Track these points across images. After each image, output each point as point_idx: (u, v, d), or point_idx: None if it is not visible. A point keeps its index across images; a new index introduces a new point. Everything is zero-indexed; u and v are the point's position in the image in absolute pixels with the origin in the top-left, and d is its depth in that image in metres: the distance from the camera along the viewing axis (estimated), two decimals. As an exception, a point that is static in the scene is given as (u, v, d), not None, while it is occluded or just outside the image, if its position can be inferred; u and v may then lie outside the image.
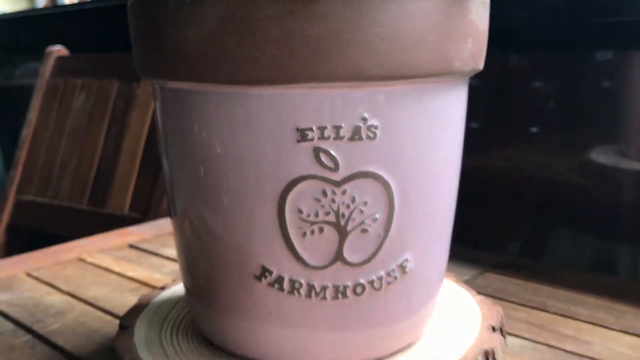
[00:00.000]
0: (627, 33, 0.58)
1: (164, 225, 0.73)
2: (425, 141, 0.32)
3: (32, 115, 1.06)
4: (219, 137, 0.31)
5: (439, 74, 0.30)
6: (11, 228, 1.04)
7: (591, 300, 0.49)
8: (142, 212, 0.87)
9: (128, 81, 0.94)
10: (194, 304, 0.37)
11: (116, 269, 0.59)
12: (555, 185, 0.67)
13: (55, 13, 1.57)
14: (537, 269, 0.55)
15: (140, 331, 0.39)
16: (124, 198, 0.90)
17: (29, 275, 0.58)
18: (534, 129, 0.68)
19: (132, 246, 0.65)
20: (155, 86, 0.34)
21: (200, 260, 0.35)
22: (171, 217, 0.37)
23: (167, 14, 0.30)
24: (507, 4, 0.61)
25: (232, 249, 0.32)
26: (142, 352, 0.36)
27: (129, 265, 0.60)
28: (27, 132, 1.06)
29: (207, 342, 0.37)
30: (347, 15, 0.27)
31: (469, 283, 0.52)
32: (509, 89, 0.68)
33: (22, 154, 1.05)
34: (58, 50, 1.08)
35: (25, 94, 1.74)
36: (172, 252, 0.63)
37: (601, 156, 0.66)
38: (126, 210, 0.89)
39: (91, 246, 0.65)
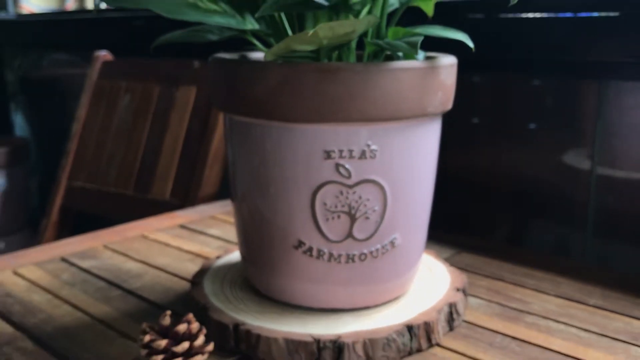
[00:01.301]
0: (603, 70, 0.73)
1: (205, 210, 0.89)
2: (409, 159, 0.47)
3: (82, 112, 1.22)
4: (271, 153, 0.46)
5: (418, 116, 0.46)
6: (63, 209, 1.21)
7: (538, 274, 0.65)
8: (182, 199, 1.03)
9: (168, 86, 1.10)
10: (248, 266, 0.53)
11: (173, 243, 0.75)
12: (527, 182, 0.82)
13: (83, 19, 1.72)
14: (501, 250, 0.71)
15: (208, 286, 0.55)
16: (165, 186, 1.06)
17: (106, 247, 0.74)
18: (513, 134, 0.83)
19: (182, 226, 0.82)
20: (227, 116, 0.50)
21: (254, 235, 0.51)
22: (232, 201, 0.53)
23: (243, 73, 0.45)
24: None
25: (277, 227, 0.48)
26: (212, 298, 0.52)
27: (182, 241, 0.76)
28: (77, 127, 1.22)
29: (257, 292, 0.53)
30: (358, 82, 0.43)
31: (447, 260, 0.68)
32: (496, 101, 0.84)
33: (72, 146, 1.21)
34: (104, 55, 1.24)
35: (51, 82, 1.89)
36: (215, 231, 0.79)
37: (572, 159, 0.81)
38: (167, 196, 1.05)
39: (149, 226, 0.82)
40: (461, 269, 0.65)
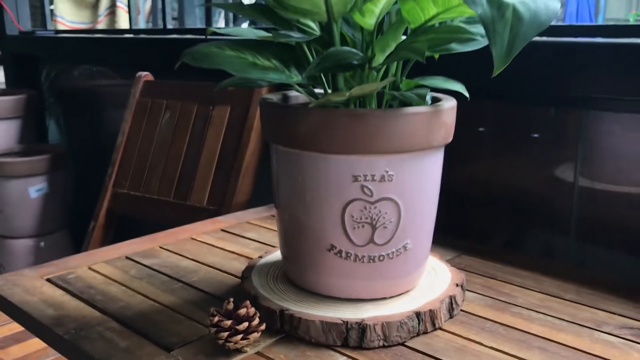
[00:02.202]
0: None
1: (241, 216, 1.02)
2: (418, 181, 0.60)
3: (126, 126, 1.37)
4: (310, 176, 0.60)
5: (425, 148, 0.59)
6: (109, 213, 1.35)
7: (525, 273, 0.77)
8: (217, 205, 1.17)
9: (205, 105, 1.24)
10: (288, 264, 0.67)
11: (218, 245, 0.88)
12: (521, 194, 0.95)
13: (113, 38, 1.87)
14: (496, 253, 0.84)
15: (255, 279, 0.69)
16: (203, 194, 1.19)
17: (162, 248, 0.88)
18: (509, 153, 0.96)
19: (223, 230, 0.95)
20: (274, 146, 0.63)
21: (294, 239, 0.64)
22: (276, 210, 0.67)
23: (290, 115, 0.59)
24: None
25: (314, 234, 0.62)
26: (260, 290, 0.66)
27: (225, 243, 0.89)
28: (121, 139, 1.36)
29: (295, 285, 0.67)
30: (379, 124, 0.56)
31: (450, 261, 0.81)
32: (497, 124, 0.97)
33: (117, 156, 1.36)
34: (145, 75, 1.38)
35: (83, 93, 2.03)
36: (252, 234, 0.93)
37: (564, 173, 0.94)
38: (204, 203, 1.19)
39: (196, 230, 0.95)
40: (461, 268, 0.78)
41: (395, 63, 0.60)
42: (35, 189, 1.87)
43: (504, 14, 0.45)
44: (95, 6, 2.54)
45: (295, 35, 0.59)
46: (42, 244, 1.93)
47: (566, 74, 0.84)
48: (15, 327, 1.09)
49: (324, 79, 0.61)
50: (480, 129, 0.98)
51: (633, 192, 0.86)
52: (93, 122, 2.11)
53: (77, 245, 2.04)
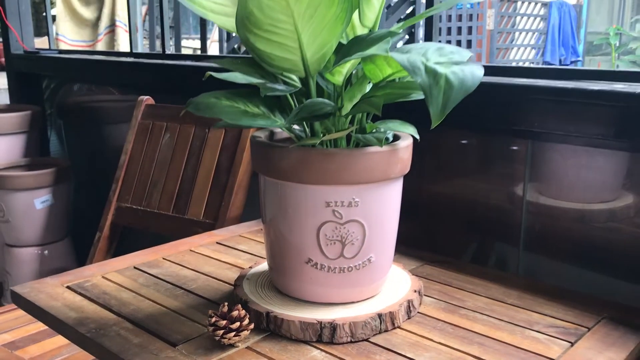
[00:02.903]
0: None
1: (235, 230, 1.15)
2: (379, 206, 0.74)
3: (128, 146, 1.49)
4: (291, 202, 0.73)
5: (384, 179, 0.72)
6: (113, 226, 1.48)
7: (476, 281, 0.91)
8: (213, 219, 1.29)
9: (202, 128, 1.37)
10: (273, 273, 0.80)
11: (214, 256, 1.01)
12: (479, 209, 1.09)
13: (111, 60, 2.00)
14: (454, 264, 0.97)
15: (245, 287, 0.82)
16: (199, 208, 1.32)
17: (165, 259, 1.01)
18: (469, 174, 1.09)
19: (218, 243, 1.08)
20: (262, 176, 0.76)
21: (278, 252, 0.77)
22: (263, 227, 0.79)
23: (275, 153, 0.72)
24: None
25: (294, 249, 0.75)
26: (250, 295, 0.79)
27: (220, 254, 1.02)
28: (124, 158, 1.49)
29: (279, 292, 0.80)
30: (347, 160, 0.69)
31: (413, 270, 0.94)
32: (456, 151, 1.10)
33: (121, 173, 1.48)
34: (147, 99, 1.51)
35: (84, 110, 2.14)
36: (243, 247, 1.06)
37: (514, 193, 1.07)
38: (201, 217, 1.32)
39: (194, 243, 1.08)
40: (421, 277, 0.91)
41: (361, 115, 0.73)
42: (40, 200, 1.99)
43: (438, 82, 0.59)
44: (95, 25, 2.66)
45: (279, 87, 0.72)
46: (46, 252, 2.05)
47: (516, 111, 0.98)
48: (32, 329, 1.21)
49: (305, 126, 0.74)
50: (445, 155, 1.12)
51: (572, 207, 1.00)
52: (93, 137, 2.24)
53: (78, 253, 2.17)
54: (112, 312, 0.81)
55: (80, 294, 0.87)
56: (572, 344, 0.73)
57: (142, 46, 3.13)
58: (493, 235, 1.07)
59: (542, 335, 0.75)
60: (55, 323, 0.81)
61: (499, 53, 5.30)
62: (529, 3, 5.60)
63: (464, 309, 0.82)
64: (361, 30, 0.74)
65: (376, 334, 0.74)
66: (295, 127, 0.77)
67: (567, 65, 5.89)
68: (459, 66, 0.60)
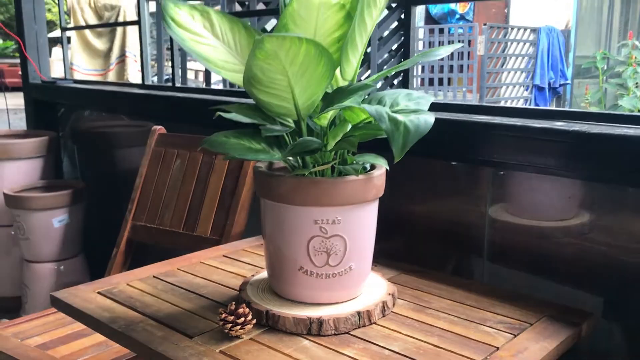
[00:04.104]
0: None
1: (239, 245, 1.32)
2: (358, 223, 0.91)
3: (143, 170, 1.67)
4: (286, 220, 0.90)
5: (361, 202, 0.90)
6: (128, 242, 1.64)
7: (443, 287, 1.07)
8: (219, 236, 1.46)
9: (209, 155, 1.54)
10: (271, 279, 0.97)
11: (221, 267, 1.18)
12: (450, 225, 1.26)
13: (121, 91, 2.18)
14: (426, 273, 1.14)
15: (249, 291, 0.99)
16: (207, 226, 1.49)
17: (179, 269, 1.17)
18: (440, 195, 1.26)
19: (225, 256, 1.25)
20: (262, 199, 0.94)
21: (275, 261, 0.94)
22: (263, 240, 0.97)
23: (273, 180, 0.90)
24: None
25: (289, 258, 0.92)
26: (253, 297, 0.96)
27: (226, 265, 1.19)
28: (139, 181, 1.66)
29: (276, 294, 0.96)
30: (331, 187, 0.87)
31: (391, 278, 1.11)
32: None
33: (136, 195, 1.66)
34: (160, 129, 1.69)
35: (96, 135, 2.31)
36: (246, 259, 1.22)
37: (479, 211, 1.24)
38: (208, 234, 1.49)
39: (204, 256, 1.25)
40: (398, 284, 1.08)
41: (343, 151, 0.91)
42: (58, 219, 2.16)
43: (398, 128, 0.76)
44: (107, 56, 2.85)
45: (277, 128, 0.90)
46: (61, 267, 2.21)
47: (479, 143, 1.16)
48: (60, 333, 1.37)
49: (298, 159, 0.92)
50: (422, 180, 1.30)
51: (533, 224, 1.17)
52: (104, 160, 2.42)
53: (92, 268, 2.33)
54: (138, 312, 0.98)
55: (109, 298, 1.04)
56: (515, 336, 0.90)
57: (151, 72, 3.34)
58: (461, 248, 1.24)
59: (492, 330, 0.92)
60: (91, 321, 0.98)
61: (489, 77, 5.52)
62: (519, 29, 5.83)
63: (430, 309, 0.98)
64: (343, 82, 0.92)
65: (355, 328, 0.91)
66: (290, 158, 0.95)
67: (557, 87, 6.10)
68: (415, 115, 0.78)
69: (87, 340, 1.33)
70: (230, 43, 0.90)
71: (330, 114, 0.87)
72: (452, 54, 5.73)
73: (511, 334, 0.90)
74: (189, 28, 0.88)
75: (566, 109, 1.13)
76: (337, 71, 0.90)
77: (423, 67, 5.99)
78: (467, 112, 1.22)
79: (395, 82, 3.49)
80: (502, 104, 5.92)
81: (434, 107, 1.23)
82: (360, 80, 0.96)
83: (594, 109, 5.81)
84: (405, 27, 1.26)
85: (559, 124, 1.04)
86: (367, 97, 0.94)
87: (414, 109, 0.84)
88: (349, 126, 0.90)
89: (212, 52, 0.89)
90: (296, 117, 0.88)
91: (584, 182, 1.07)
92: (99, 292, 1.06)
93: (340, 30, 0.85)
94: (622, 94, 5.67)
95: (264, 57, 0.76)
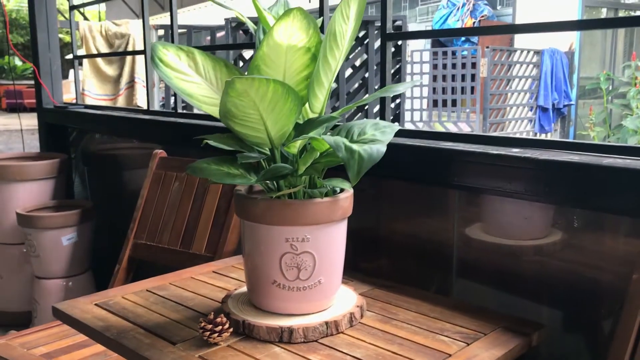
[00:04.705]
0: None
1: (228, 261, 1.42)
2: (326, 241, 1.01)
3: (144, 192, 1.78)
4: (261, 238, 1.00)
5: (329, 222, 1.00)
6: (130, 259, 1.75)
7: (411, 300, 1.16)
8: (212, 253, 1.57)
9: (205, 178, 1.65)
10: (249, 292, 1.07)
11: (210, 282, 1.28)
12: (421, 242, 1.35)
13: (128, 117, 2.31)
14: (398, 288, 1.23)
15: (229, 303, 1.09)
16: (202, 244, 1.59)
17: (171, 284, 1.28)
18: (414, 216, 1.36)
19: (214, 272, 1.35)
20: (241, 219, 1.04)
21: (252, 276, 1.04)
22: (243, 257, 1.06)
23: (250, 202, 1.00)
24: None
25: (263, 273, 1.01)
26: (232, 309, 1.05)
27: (215, 280, 1.29)
28: (140, 202, 1.78)
29: (253, 306, 1.06)
30: (301, 208, 0.97)
31: (364, 292, 1.20)
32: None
33: (138, 215, 1.77)
34: (160, 152, 1.81)
35: (105, 158, 2.43)
36: (234, 275, 1.32)
37: (447, 229, 1.33)
38: (203, 251, 1.59)
39: (195, 271, 1.35)
40: (369, 297, 1.17)
41: (313, 176, 1.01)
42: (67, 238, 2.28)
43: (353, 156, 0.86)
44: (117, 81, 3.00)
45: (253, 155, 1.00)
46: (70, 283, 2.32)
47: (447, 168, 1.25)
48: (63, 344, 1.47)
49: (274, 182, 1.02)
50: (396, 201, 1.39)
51: (490, 241, 1.26)
52: (112, 180, 2.54)
53: (99, 284, 2.44)
54: (129, 321, 1.08)
55: (105, 309, 1.14)
56: (468, 345, 0.98)
57: (159, 99, 3.48)
58: (432, 264, 1.33)
59: (448, 339, 1.00)
60: (87, 330, 1.08)
61: (492, 98, 5.61)
62: (522, 51, 5.93)
63: (395, 320, 1.07)
64: (313, 114, 1.02)
65: (323, 337, 1.00)
66: (268, 182, 1.05)
67: (561, 108, 6.16)
68: (368, 144, 0.88)
69: (87, 350, 1.43)
70: (213, 80, 1.01)
71: (299, 142, 0.97)
72: (456, 75, 5.84)
73: (465, 342, 0.99)
74: (175, 67, 1.00)
75: (523, 137, 1.23)
76: (307, 105, 1.01)
77: (427, 89, 6.10)
78: (435, 139, 1.31)
79: (393, 105, 3.61)
80: (506, 124, 6.00)
81: (403, 134, 1.34)
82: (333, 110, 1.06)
83: (598, 129, 5.87)
84: (381, 60, 1.37)
85: (514, 151, 1.14)
86: (338, 126, 1.05)
87: (376, 138, 0.94)
88: (318, 153, 1.01)
89: (196, 88, 1.00)
90: (270, 145, 0.99)
91: (541, 205, 1.16)
92: (96, 304, 1.16)
93: (307, 70, 0.96)
94: (627, 114, 5.73)
95: (236, 95, 0.87)
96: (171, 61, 1.00)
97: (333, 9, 1.01)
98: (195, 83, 1.00)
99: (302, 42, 0.92)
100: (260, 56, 0.91)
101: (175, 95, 2.13)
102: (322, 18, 1.29)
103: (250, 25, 1.07)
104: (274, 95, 0.88)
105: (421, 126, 6.13)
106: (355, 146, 0.88)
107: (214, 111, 0.99)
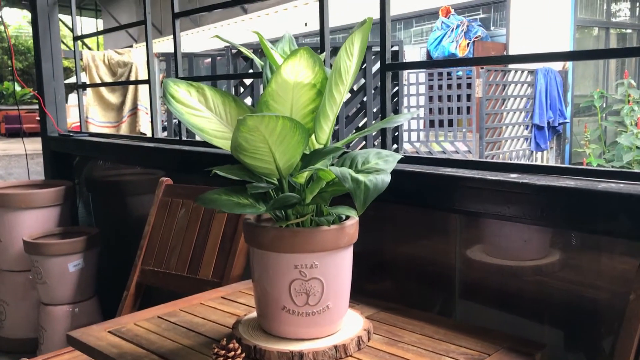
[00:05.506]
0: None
1: (236, 287, 1.45)
2: (334, 267, 1.05)
3: (151, 219, 1.82)
4: (271, 265, 1.04)
5: (335, 249, 1.04)
6: (138, 285, 1.78)
7: (415, 322, 1.20)
8: (219, 278, 1.60)
9: (211, 204, 1.69)
10: (259, 318, 1.10)
11: (219, 308, 1.31)
12: (425, 264, 1.39)
13: (131, 144, 2.35)
14: (403, 310, 1.26)
15: (240, 328, 1.12)
16: (209, 270, 1.63)
17: (181, 310, 1.31)
18: (414, 239, 1.40)
19: (223, 297, 1.38)
20: (250, 247, 1.08)
21: (262, 302, 1.08)
22: (252, 282, 1.10)
23: (259, 230, 1.04)
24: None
25: (273, 298, 1.05)
26: (243, 334, 1.09)
27: (224, 306, 1.32)
28: (147, 229, 1.81)
29: (264, 331, 1.09)
30: (309, 236, 1.01)
31: (370, 316, 1.23)
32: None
33: (145, 242, 1.80)
34: (167, 180, 1.85)
35: (109, 185, 2.46)
36: (242, 300, 1.36)
37: (449, 253, 1.37)
38: (210, 277, 1.62)
39: (204, 297, 1.38)
40: (375, 320, 1.20)
41: (319, 204, 1.05)
42: (73, 264, 2.30)
43: (359, 186, 0.91)
44: (120, 109, 3.05)
45: (262, 185, 1.05)
46: (76, 310, 2.35)
47: (448, 193, 1.29)
48: (74, 370, 1.50)
49: (282, 211, 1.06)
50: (400, 225, 1.43)
51: (493, 262, 1.30)
52: (117, 207, 2.58)
53: (104, 310, 2.46)
54: (143, 348, 1.11)
55: (118, 336, 1.17)
56: (473, 365, 1.02)
57: (161, 123, 3.55)
58: (436, 287, 1.37)
59: (453, 360, 1.04)
60: (102, 357, 1.11)
61: (488, 118, 5.68)
62: (516, 71, 6.02)
63: (401, 343, 1.11)
64: (318, 145, 1.07)
65: (333, 360, 1.03)
66: (275, 211, 1.09)
67: (556, 126, 6.25)
68: (373, 175, 0.92)
69: (98, 376, 1.46)
70: (222, 114, 1.06)
71: (306, 173, 1.02)
72: (452, 96, 5.92)
73: (470, 363, 1.02)
74: (186, 103, 1.04)
75: (521, 162, 1.27)
76: (314, 136, 1.05)
77: (424, 110, 6.18)
78: (435, 165, 1.36)
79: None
80: (503, 143, 6.07)
81: (404, 160, 1.38)
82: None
83: (593, 146, 5.94)
84: (381, 90, 1.42)
85: (512, 176, 1.18)
86: (342, 156, 1.09)
87: (379, 167, 0.98)
88: (324, 183, 1.05)
89: (206, 123, 1.04)
90: (278, 176, 1.03)
91: (539, 227, 1.20)
92: (109, 331, 1.20)
93: (313, 104, 1.00)
94: (622, 131, 5.81)
95: (247, 131, 0.92)
96: (182, 97, 1.05)
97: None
98: (206, 118, 1.05)
99: (308, 78, 0.97)
100: (269, 92, 0.96)
101: (180, 125, 2.18)
102: (324, 54, 1.34)
103: (257, 61, 1.12)
104: (283, 130, 0.93)
105: (419, 146, 6.19)
106: (361, 177, 0.92)
107: (224, 144, 1.04)
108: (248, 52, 1.10)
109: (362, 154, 1.09)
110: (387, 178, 0.93)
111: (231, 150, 0.97)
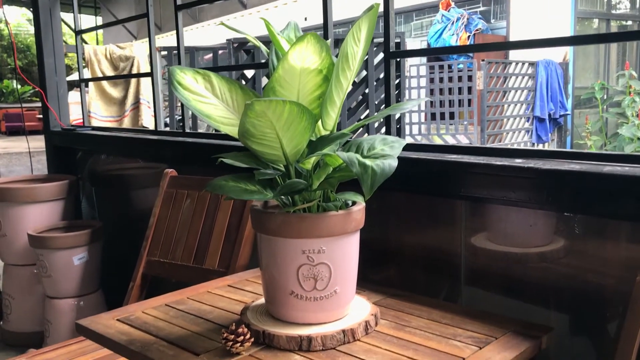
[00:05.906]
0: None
1: (242, 275, 1.46)
2: (340, 252, 1.05)
3: (156, 210, 1.83)
4: (279, 251, 1.05)
5: (343, 234, 1.04)
6: (143, 276, 1.79)
7: (423, 308, 1.20)
8: (225, 267, 1.61)
9: (216, 195, 1.70)
10: (267, 303, 1.11)
11: (227, 295, 1.32)
12: (430, 252, 1.39)
13: (135, 137, 2.36)
14: (410, 297, 1.27)
15: (248, 314, 1.13)
16: (214, 260, 1.64)
17: (189, 298, 1.32)
18: (422, 226, 1.40)
19: (230, 285, 1.39)
20: (258, 233, 1.09)
21: (270, 287, 1.08)
22: (260, 270, 1.11)
23: (266, 216, 1.04)
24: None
25: (281, 285, 1.06)
26: (251, 319, 1.10)
27: (231, 294, 1.33)
28: (152, 220, 1.82)
29: (271, 316, 1.10)
30: (316, 221, 1.01)
31: (377, 302, 1.24)
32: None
33: (150, 233, 1.81)
34: (171, 172, 1.85)
35: (112, 178, 2.47)
36: (249, 288, 1.36)
37: (455, 239, 1.37)
38: (216, 267, 1.63)
39: (211, 286, 1.39)
40: (382, 306, 1.21)
41: (327, 190, 1.06)
42: (77, 257, 2.31)
43: (367, 171, 0.91)
44: (122, 103, 3.06)
45: (269, 171, 1.05)
46: (81, 303, 2.36)
47: (453, 179, 1.30)
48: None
49: (289, 197, 1.07)
50: (405, 213, 1.44)
51: (498, 249, 1.30)
52: (120, 200, 2.58)
53: (109, 303, 2.47)
54: (152, 335, 1.12)
55: (127, 324, 1.18)
56: (480, 348, 1.02)
57: (164, 115, 3.56)
58: (442, 273, 1.38)
59: (461, 343, 1.05)
60: (111, 344, 1.12)
61: (490, 110, 5.68)
62: (517, 63, 6.02)
63: (408, 327, 1.12)
64: (325, 131, 1.07)
65: (341, 344, 1.04)
66: (282, 197, 1.10)
67: (557, 118, 6.25)
68: (380, 160, 0.93)
69: (106, 365, 1.47)
70: (229, 101, 1.07)
71: (313, 159, 1.02)
72: (453, 88, 5.92)
73: (477, 346, 1.03)
74: (193, 90, 1.05)
75: (525, 147, 1.28)
76: (320, 123, 1.06)
77: (425, 103, 6.18)
78: (440, 152, 1.37)
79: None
80: (504, 135, 6.07)
81: (409, 147, 1.39)
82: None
83: (595, 138, 5.94)
84: (385, 78, 1.42)
85: (517, 161, 1.19)
86: (348, 142, 1.10)
87: (385, 153, 0.99)
88: (331, 169, 1.06)
89: (213, 109, 1.05)
90: (285, 162, 1.04)
91: (544, 212, 1.21)
92: (117, 319, 1.21)
93: (319, 90, 1.01)
94: (623, 122, 5.81)
95: (254, 116, 0.92)
96: (189, 84, 1.05)
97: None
98: (213, 104, 1.06)
99: (315, 64, 0.97)
100: (275, 78, 0.97)
101: (183, 116, 2.19)
102: (327, 41, 1.34)
103: (263, 49, 1.13)
104: (290, 115, 0.93)
105: (420, 139, 6.19)
106: (368, 161, 0.93)
107: (231, 130, 1.04)
108: (254, 40, 1.10)
109: (367, 140, 1.09)
110: (394, 163, 0.94)
111: (239, 136, 0.97)
